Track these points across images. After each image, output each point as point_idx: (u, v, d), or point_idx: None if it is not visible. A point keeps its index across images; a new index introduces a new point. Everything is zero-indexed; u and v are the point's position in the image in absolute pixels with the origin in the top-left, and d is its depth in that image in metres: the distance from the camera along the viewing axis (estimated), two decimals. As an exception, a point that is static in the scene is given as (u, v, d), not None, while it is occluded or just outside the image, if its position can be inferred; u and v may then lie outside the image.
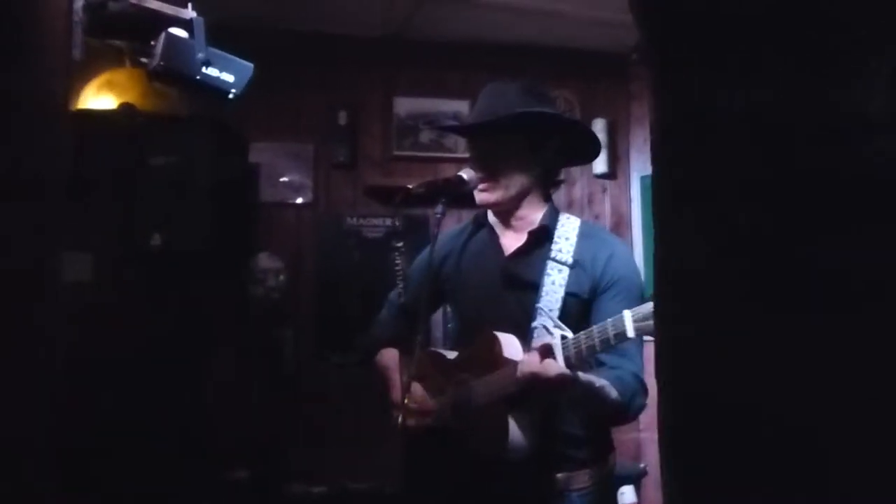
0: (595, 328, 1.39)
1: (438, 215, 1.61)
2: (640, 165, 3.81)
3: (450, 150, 3.56)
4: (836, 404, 0.47)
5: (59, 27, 1.53)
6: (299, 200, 3.48)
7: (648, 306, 1.31)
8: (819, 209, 0.50)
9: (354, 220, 3.50)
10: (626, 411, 1.54)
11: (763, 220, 0.51)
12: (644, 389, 1.57)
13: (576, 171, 3.76)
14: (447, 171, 3.53)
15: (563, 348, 1.40)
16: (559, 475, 1.58)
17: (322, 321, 3.43)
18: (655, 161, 0.61)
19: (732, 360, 0.51)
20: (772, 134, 0.50)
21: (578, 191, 3.78)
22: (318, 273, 3.46)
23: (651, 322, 1.28)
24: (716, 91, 0.53)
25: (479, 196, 1.69)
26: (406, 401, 1.54)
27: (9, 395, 1.21)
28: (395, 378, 1.75)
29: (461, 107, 3.48)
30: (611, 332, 1.36)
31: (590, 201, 3.79)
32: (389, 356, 1.85)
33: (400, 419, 1.57)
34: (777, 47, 0.51)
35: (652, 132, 0.61)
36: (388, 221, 3.50)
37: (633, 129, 3.86)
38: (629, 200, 3.81)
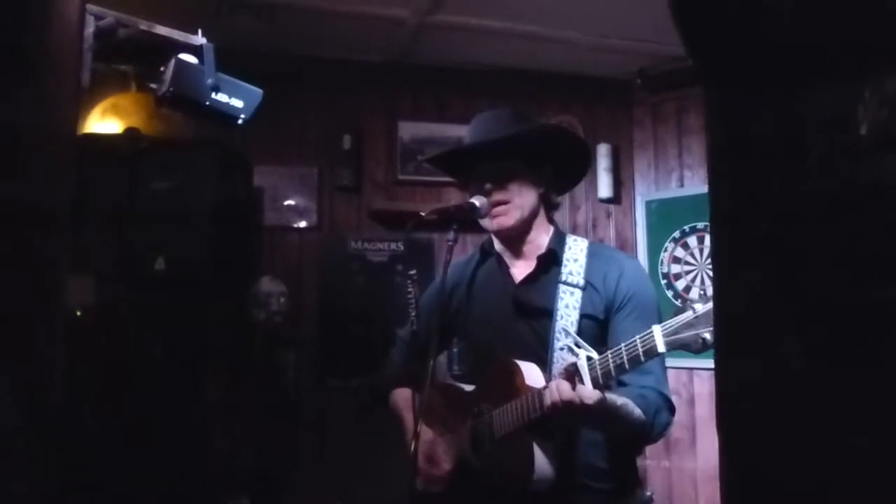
0: (623, 345, 1.34)
1: (450, 242, 1.60)
2: (644, 190, 3.81)
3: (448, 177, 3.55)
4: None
5: (69, 53, 1.52)
6: (303, 224, 3.47)
7: (679, 320, 1.27)
8: (865, 243, 0.48)
9: (358, 243, 3.48)
10: (651, 429, 1.50)
11: (810, 251, 0.49)
12: (669, 406, 1.55)
13: (580, 195, 3.76)
14: (451, 196, 3.53)
15: (590, 368, 1.36)
16: None
17: (325, 345, 3.40)
18: (709, 184, 0.59)
19: (775, 411, 0.49)
20: (819, 157, 0.49)
21: (583, 215, 3.78)
22: (321, 297, 3.44)
23: (682, 336, 1.26)
24: (763, 112, 0.51)
25: (496, 221, 1.68)
26: (416, 448, 1.50)
27: (7, 419, 1.18)
28: (409, 419, 1.73)
29: (463, 132, 3.46)
30: (640, 349, 1.31)
31: (594, 225, 3.78)
32: (402, 397, 1.82)
33: (412, 465, 1.54)
34: (822, 70, 0.50)
35: (707, 153, 0.60)
36: (393, 246, 3.49)
37: (637, 154, 3.87)
38: (633, 225, 3.81)
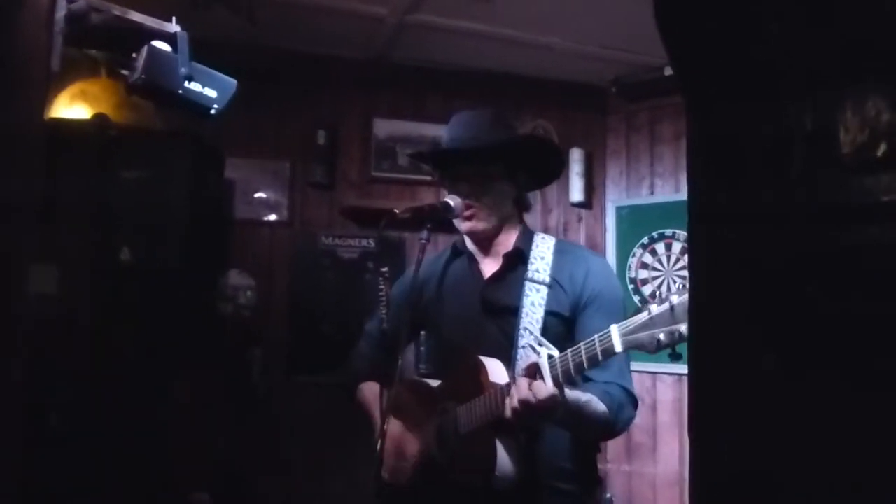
0: (582, 345, 1.37)
1: (423, 240, 1.60)
2: (614, 196, 3.85)
3: (428, 174, 3.56)
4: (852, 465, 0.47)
5: (39, 38, 1.49)
6: (273, 218, 3.44)
7: (635, 320, 1.30)
8: (841, 258, 0.49)
9: (329, 239, 3.47)
10: (615, 424, 1.52)
11: (787, 260, 0.50)
12: (633, 401, 1.58)
13: (552, 199, 3.79)
14: (424, 195, 3.53)
15: (551, 367, 1.37)
16: None
17: (293, 341, 3.38)
18: (689, 188, 0.60)
19: (747, 416, 0.50)
20: (803, 170, 0.50)
21: (554, 218, 3.80)
22: (291, 292, 3.41)
23: (639, 335, 1.28)
24: (746, 123, 0.52)
25: (466, 224, 1.69)
26: (382, 443, 1.50)
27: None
28: (377, 414, 1.73)
29: (440, 131, 3.46)
30: (598, 348, 1.34)
31: (566, 229, 3.81)
32: (369, 390, 1.82)
33: (378, 460, 1.54)
34: (806, 85, 0.51)
35: (687, 158, 0.60)
36: (364, 243, 3.47)
37: (610, 159, 3.91)
38: (604, 229, 3.85)
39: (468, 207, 1.67)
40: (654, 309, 1.27)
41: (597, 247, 3.82)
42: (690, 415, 0.57)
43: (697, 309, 0.58)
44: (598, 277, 1.64)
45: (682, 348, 1.28)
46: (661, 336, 1.25)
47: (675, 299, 1.25)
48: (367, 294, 3.38)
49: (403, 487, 1.68)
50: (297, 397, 3.30)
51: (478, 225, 1.69)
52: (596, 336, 1.35)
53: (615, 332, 1.32)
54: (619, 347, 1.31)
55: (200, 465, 3.04)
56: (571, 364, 1.37)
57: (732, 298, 0.54)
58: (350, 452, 3.04)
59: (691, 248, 0.59)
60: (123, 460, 2.39)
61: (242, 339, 3.29)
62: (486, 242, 1.74)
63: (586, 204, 3.83)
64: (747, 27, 0.54)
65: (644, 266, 3.69)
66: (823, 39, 0.50)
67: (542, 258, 1.67)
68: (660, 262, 3.66)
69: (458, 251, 1.81)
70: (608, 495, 3.60)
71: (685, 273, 3.98)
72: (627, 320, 1.32)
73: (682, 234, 3.61)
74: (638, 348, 1.30)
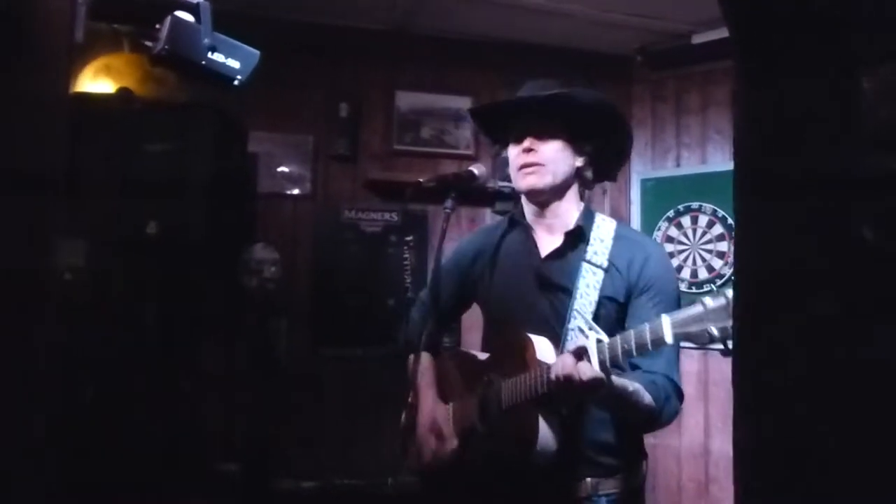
0: (632, 332, 1.35)
1: (448, 210, 1.59)
2: (640, 168, 3.79)
3: (451, 147, 3.53)
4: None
5: (63, 8, 1.48)
6: (296, 192, 3.44)
7: (688, 312, 1.28)
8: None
9: (352, 213, 3.46)
10: (659, 417, 1.51)
11: (846, 223, 0.48)
12: (678, 393, 1.57)
13: (576, 171, 3.74)
14: (448, 167, 3.50)
15: (599, 352, 1.36)
16: (588, 479, 1.56)
17: (317, 314, 3.40)
18: (737, 154, 0.57)
19: (806, 380, 0.49)
20: (877, 130, 0.47)
21: (578, 191, 3.76)
22: (315, 266, 3.43)
23: (690, 329, 1.27)
24: (804, 83, 0.50)
25: (526, 180, 1.66)
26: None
27: (4, 385, 1.18)
28: (423, 389, 1.75)
29: (463, 103, 3.46)
30: (648, 338, 1.32)
31: (590, 202, 3.76)
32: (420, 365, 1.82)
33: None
34: (868, 37, 0.48)
35: (735, 125, 0.58)
36: (387, 216, 3.47)
37: (635, 131, 3.82)
38: (628, 202, 3.80)
39: (530, 165, 1.64)
40: (710, 302, 1.25)
41: (622, 220, 3.77)
42: (740, 377, 0.55)
43: (748, 280, 0.56)
44: (656, 266, 1.62)
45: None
46: (714, 330, 1.23)
47: (730, 293, 1.22)
48: (389, 267, 3.38)
49: (446, 455, 1.68)
50: (320, 368, 3.33)
51: (536, 182, 1.65)
52: (647, 325, 1.33)
53: (666, 322, 1.30)
54: (669, 339, 1.29)
55: (228, 437, 3.09)
56: (620, 350, 1.35)
57: (793, 269, 0.52)
58: (375, 423, 3.06)
59: (742, 211, 0.56)
60: (152, 431, 2.43)
61: (267, 312, 3.32)
62: (544, 213, 1.70)
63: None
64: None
65: (669, 240, 3.65)
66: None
67: (602, 241, 1.64)
68: (686, 235, 3.61)
69: (515, 222, 1.78)
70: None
71: (711, 247, 3.92)
72: (680, 311, 1.30)
73: (709, 207, 3.55)
74: (688, 340, 1.28)
